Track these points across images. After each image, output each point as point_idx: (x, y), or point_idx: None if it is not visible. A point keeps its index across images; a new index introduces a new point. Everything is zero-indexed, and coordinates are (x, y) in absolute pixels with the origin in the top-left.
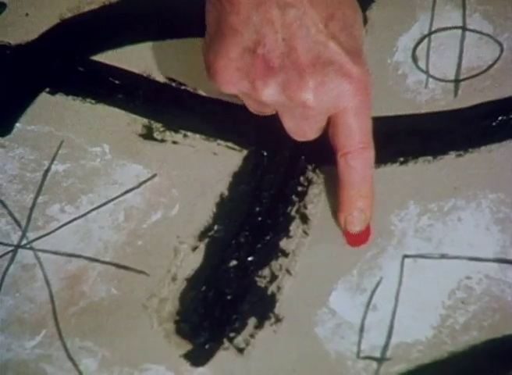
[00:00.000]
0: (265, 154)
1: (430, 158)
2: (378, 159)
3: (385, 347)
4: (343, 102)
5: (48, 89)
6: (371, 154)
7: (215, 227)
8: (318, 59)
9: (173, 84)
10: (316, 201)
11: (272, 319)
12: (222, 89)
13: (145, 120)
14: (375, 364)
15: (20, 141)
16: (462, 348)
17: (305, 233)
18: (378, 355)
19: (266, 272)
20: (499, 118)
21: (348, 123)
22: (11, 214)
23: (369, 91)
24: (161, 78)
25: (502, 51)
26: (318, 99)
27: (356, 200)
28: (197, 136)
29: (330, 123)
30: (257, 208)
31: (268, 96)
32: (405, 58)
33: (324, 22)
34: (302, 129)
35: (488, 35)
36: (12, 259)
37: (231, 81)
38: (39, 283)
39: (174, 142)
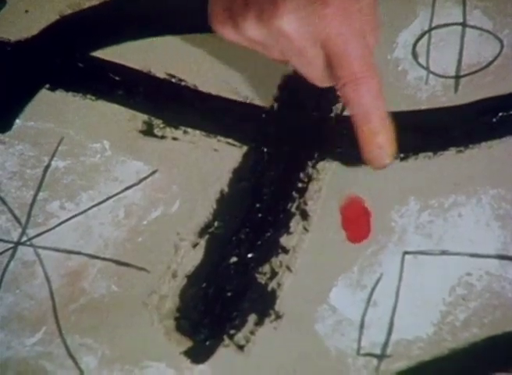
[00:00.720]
0: (265, 150)
1: (430, 154)
2: None
3: (386, 344)
4: (322, 28)
5: (47, 85)
6: (372, 82)
7: (216, 224)
8: None
9: (173, 80)
10: (316, 197)
11: (272, 316)
12: (220, 33)
13: (145, 116)
14: (375, 361)
15: (20, 138)
16: (462, 345)
17: (305, 229)
18: (378, 351)
19: (266, 268)
20: (500, 114)
21: (338, 51)
22: (11, 211)
23: (353, 17)
24: (161, 74)
25: (502, 47)
26: (294, 25)
27: (372, 136)
28: (198, 132)
29: (325, 57)
30: (258, 205)
31: (248, 30)
32: (405, 55)
33: None
34: (306, 67)
35: (488, 31)
36: (12, 256)
37: (220, 22)
38: (39, 280)
39: (174, 138)
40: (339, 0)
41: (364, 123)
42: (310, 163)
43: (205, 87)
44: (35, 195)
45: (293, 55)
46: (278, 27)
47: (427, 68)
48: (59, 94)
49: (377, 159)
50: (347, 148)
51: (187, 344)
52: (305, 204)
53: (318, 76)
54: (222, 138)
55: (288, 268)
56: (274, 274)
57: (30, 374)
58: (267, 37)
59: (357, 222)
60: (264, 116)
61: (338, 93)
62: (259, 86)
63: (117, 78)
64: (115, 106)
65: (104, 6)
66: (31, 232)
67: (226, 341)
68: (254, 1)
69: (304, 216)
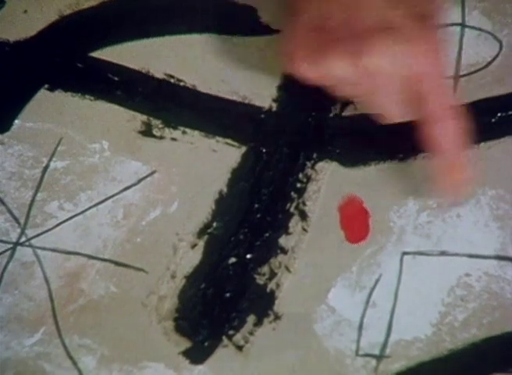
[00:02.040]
0: (264, 151)
1: (429, 154)
2: (377, 156)
3: (385, 344)
4: (413, 67)
5: (46, 86)
6: (455, 118)
7: (214, 224)
8: (385, 24)
9: (172, 81)
10: (315, 197)
11: (271, 317)
12: (298, 74)
13: (144, 117)
14: (374, 361)
15: (19, 138)
16: (461, 346)
17: (304, 230)
18: (377, 352)
19: (265, 269)
20: (499, 114)
21: (425, 89)
22: (10, 211)
23: (440, 56)
24: (159, 74)
25: (501, 47)
26: (386, 63)
27: (451, 171)
28: (196, 132)
29: (410, 93)
30: (256, 205)
31: (336, 67)
32: None
33: None
34: (383, 104)
35: (487, 32)
36: (11, 257)
37: (302, 60)
38: (38, 281)
39: (173, 139)
40: (431, 37)
41: (447, 159)
42: (309, 164)
43: (204, 87)
44: (34, 196)
45: (371, 91)
46: (369, 65)
47: None
48: (58, 94)
49: (455, 192)
50: (346, 148)
51: (186, 344)
52: (304, 204)
53: (390, 113)
54: (220, 139)
55: (287, 268)
56: (273, 275)
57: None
58: (352, 73)
59: (355, 222)
60: (262, 116)
61: (421, 132)
62: (258, 86)
63: (116, 78)
64: (114, 106)
65: (104, 7)
66: (30, 232)
67: (225, 341)
68: (344, 38)
69: (303, 216)
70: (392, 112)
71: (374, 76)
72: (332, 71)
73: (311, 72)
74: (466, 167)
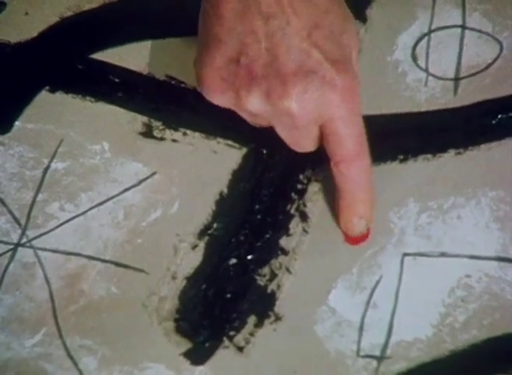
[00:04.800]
0: (265, 152)
1: (429, 156)
2: (377, 157)
3: (385, 345)
4: (328, 111)
5: (47, 87)
6: (364, 162)
7: (215, 225)
8: (301, 68)
9: (173, 82)
10: (315, 199)
11: (272, 318)
12: (210, 99)
13: (145, 118)
14: (374, 362)
15: (20, 139)
16: (462, 347)
17: (305, 231)
18: (377, 353)
19: (266, 270)
20: (499, 116)
21: (337, 132)
22: (10, 212)
23: (356, 99)
24: (160, 76)
25: (501, 49)
26: (302, 107)
27: (354, 207)
28: (197, 134)
29: (321, 132)
30: (257, 207)
31: (252, 105)
32: (405, 57)
33: (307, 31)
34: (296, 139)
35: (487, 34)
36: (11, 258)
37: (216, 91)
38: (39, 282)
39: (174, 140)
40: (347, 82)
41: (350, 195)
42: (309, 165)
43: None
44: (35, 197)
45: (286, 127)
46: (285, 107)
47: (426, 70)
48: (59, 96)
49: (354, 228)
50: None
51: (187, 345)
52: (304, 205)
53: (303, 146)
54: (221, 140)
55: (287, 269)
56: (273, 276)
57: None
58: (268, 112)
59: None
60: None
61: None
62: None
63: (117, 80)
64: (115, 108)
65: (104, 8)
66: (31, 233)
67: (226, 342)
68: (261, 77)
69: (304, 217)
70: (303, 145)
71: (292, 117)
72: (248, 106)
73: (227, 103)
74: (371, 200)
